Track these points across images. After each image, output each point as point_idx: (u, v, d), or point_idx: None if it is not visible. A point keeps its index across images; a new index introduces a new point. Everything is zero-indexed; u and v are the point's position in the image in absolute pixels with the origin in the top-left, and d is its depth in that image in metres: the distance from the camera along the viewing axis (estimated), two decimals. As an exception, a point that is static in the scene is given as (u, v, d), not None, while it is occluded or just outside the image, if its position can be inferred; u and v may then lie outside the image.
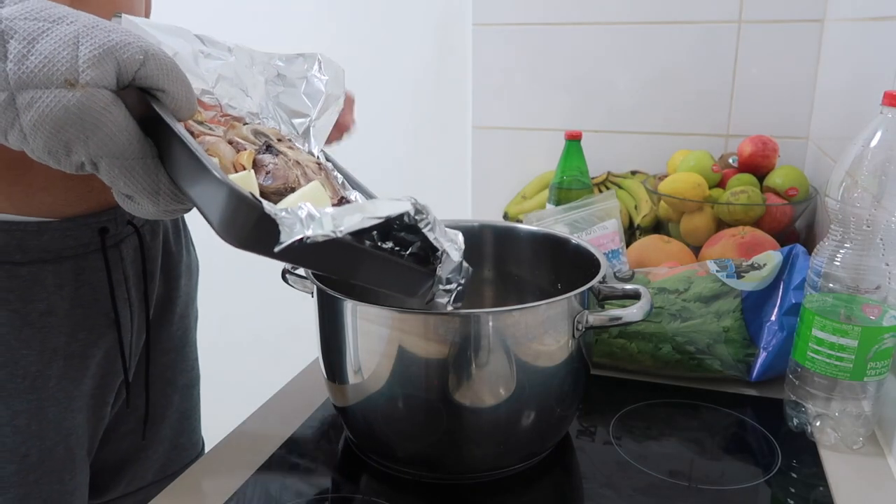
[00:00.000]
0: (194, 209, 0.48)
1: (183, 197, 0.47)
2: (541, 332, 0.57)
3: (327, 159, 0.66)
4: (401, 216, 0.49)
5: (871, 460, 0.64)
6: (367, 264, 0.50)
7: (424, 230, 0.50)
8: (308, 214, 0.42)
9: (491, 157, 1.40)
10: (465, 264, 0.54)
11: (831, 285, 0.64)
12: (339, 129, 0.74)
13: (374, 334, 0.57)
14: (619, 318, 0.59)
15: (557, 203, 1.02)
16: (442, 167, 1.46)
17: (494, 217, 1.32)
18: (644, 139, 1.30)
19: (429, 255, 0.53)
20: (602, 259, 0.65)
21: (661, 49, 1.25)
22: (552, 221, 0.94)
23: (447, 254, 0.52)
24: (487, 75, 1.35)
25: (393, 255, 0.52)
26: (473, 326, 0.55)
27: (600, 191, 1.24)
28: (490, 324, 0.55)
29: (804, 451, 0.65)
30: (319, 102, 0.67)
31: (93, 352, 0.69)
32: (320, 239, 0.42)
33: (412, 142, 1.49)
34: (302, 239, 0.42)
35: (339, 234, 0.43)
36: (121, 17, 0.55)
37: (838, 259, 0.63)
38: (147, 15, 0.74)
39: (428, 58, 1.41)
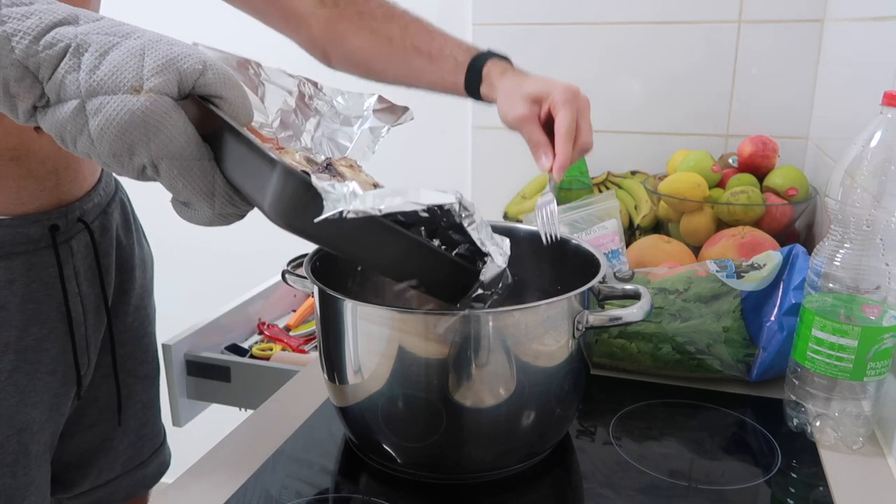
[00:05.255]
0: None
1: (238, 200, 0.50)
2: (541, 332, 0.57)
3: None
4: (444, 208, 0.49)
5: (871, 460, 0.64)
6: (410, 253, 0.50)
7: (468, 228, 0.50)
8: (352, 191, 0.43)
9: (491, 157, 1.40)
10: (508, 273, 0.53)
11: (831, 285, 0.64)
12: (581, 150, 0.75)
13: (374, 334, 0.57)
14: (619, 318, 0.59)
15: (557, 203, 1.02)
16: (442, 167, 1.46)
17: (494, 217, 1.32)
18: (644, 139, 1.30)
19: (476, 259, 0.53)
20: (602, 259, 0.65)
21: (661, 49, 1.25)
22: (552, 221, 0.93)
23: (491, 258, 0.51)
24: (487, 75, 1.35)
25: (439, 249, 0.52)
26: (473, 326, 0.55)
27: (600, 191, 1.24)
28: (490, 324, 0.55)
29: (804, 451, 0.65)
30: (374, 142, 0.69)
31: (46, 346, 0.70)
32: (359, 215, 0.43)
33: (412, 142, 1.48)
34: (342, 213, 0.42)
35: (379, 213, 0.44)
36: (198, 46, 0.58)
37: (838, 259, 0.63)
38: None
39: (428, 58, 1.41)
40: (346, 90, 0.70)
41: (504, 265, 0.52)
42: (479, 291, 0.53)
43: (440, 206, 0.48)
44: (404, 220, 0.50)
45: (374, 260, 0.51)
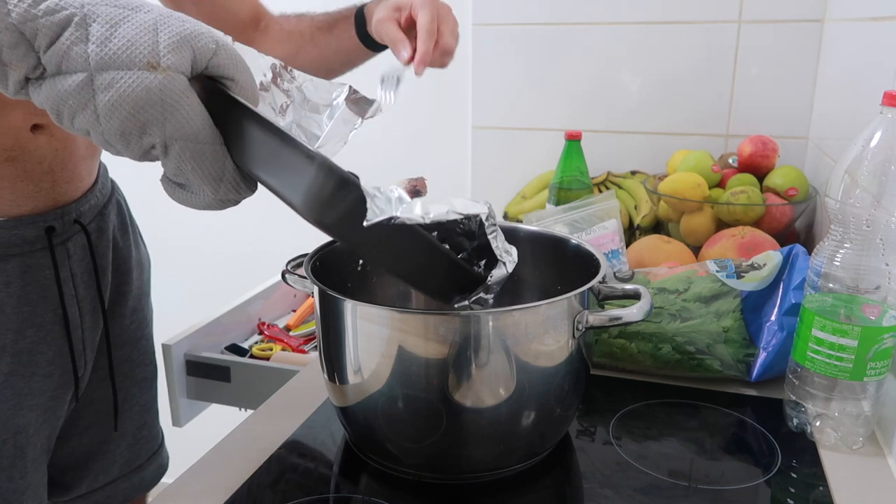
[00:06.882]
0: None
1: (242, 187, 0.48)
2: (541, 332, 0.57)
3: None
4: (475, 217, 0.51)
5: (871, 460, 0.64)
6: (428, 258, 0.52)
7: (489, 236, 0.52)
8: (398, 197, 0.44)
9: (491, 157, 1.40)
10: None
11: (831, 285, 0.64)
12: (443, 51, 0.79)
13: (374, 334, 0.57)
14: (619, 318, 0.59)
15: (557, 203, 1.02)
16: (442, 167, 1.46)
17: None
18: (644, 139, 1.30)
19: (473, 263, 0.56)
20: (602, 259, 0.65)
21: (661, 49, 1.25)
22: (552, 221, 0.94)
23: (504, 264, 0.53)
24: (487, 75, 1.35)
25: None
26: (473, 326, 0.55)
27: (600, 191, 1.24)
28: (490, 324, 0.55)
29: (804, 451, 0.65)
30: (347, 132, 0.69)
31: (42, 349, 0.69)
32: (407, 222, 0.44)
33: (412, 142, 1.49)
34: (390, 219, 0.43)
35: (427, 220, 0.45)
36: None
37: (838, 259, 0.63)
38: None
39: (428, 58, 1.42)
40: (315, 77, 0.69)
41: (510, 271, 0.54)
42: (481, 294, 0.54)
43: (469, 216, 0.51)
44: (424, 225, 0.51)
45: (388, 259, 0.51)
